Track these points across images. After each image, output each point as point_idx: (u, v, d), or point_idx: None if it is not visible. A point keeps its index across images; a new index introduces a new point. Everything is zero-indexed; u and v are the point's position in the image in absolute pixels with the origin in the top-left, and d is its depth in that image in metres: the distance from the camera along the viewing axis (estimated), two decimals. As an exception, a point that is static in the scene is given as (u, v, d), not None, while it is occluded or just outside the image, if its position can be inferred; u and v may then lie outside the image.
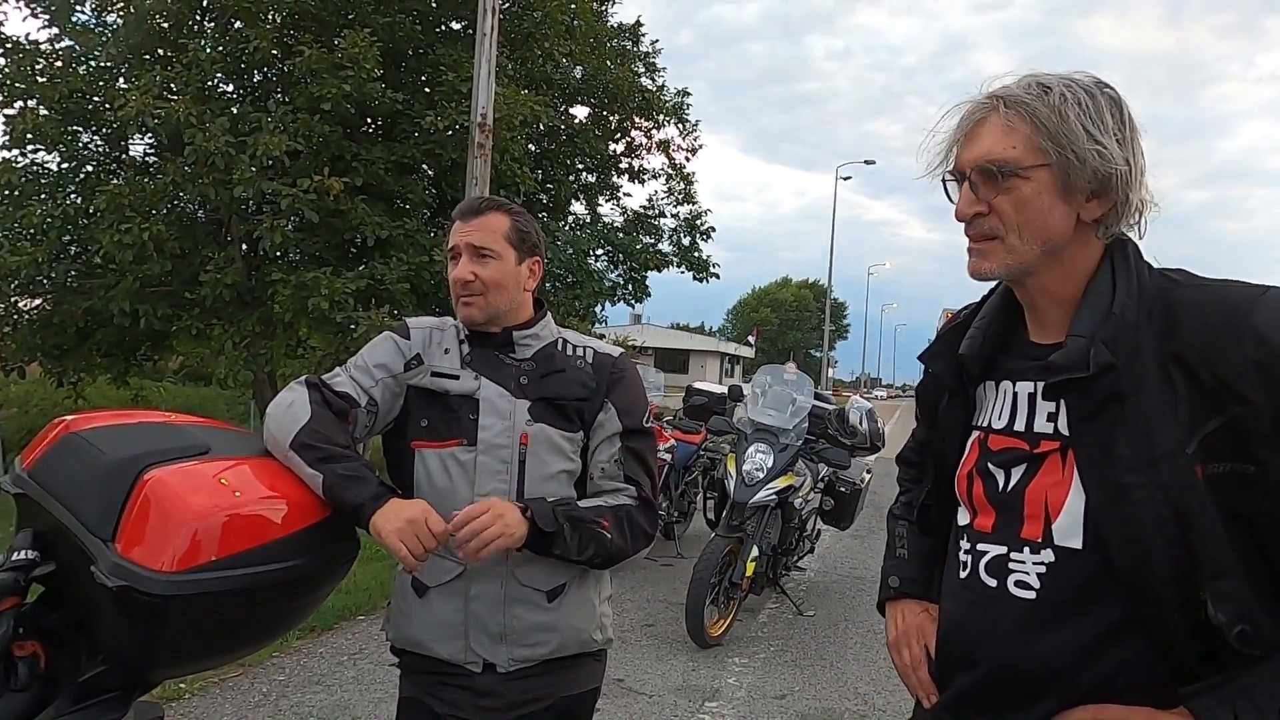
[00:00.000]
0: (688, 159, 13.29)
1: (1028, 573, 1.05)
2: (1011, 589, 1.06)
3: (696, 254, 13.40)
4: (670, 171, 13.19)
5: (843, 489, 5.37)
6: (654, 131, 12.80)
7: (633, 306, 14.41)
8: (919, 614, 1.27)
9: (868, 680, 4.12)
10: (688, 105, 13.00)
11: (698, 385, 6.70)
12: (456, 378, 1.58)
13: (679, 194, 13.31)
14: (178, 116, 7.17)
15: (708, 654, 4.37)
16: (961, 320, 1.21)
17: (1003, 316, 1.16)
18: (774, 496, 4.71)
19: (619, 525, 1.53)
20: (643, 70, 12.67)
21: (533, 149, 11.27)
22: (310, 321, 7.75)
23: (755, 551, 4.55)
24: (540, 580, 1.53)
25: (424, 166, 9.44)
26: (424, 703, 1.56)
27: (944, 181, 1.10)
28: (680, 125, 12.96)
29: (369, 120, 9.32)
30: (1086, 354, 0.99)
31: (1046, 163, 1.01)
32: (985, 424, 1.15)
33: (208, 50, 7.98)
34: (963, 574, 1.13)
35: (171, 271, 7.95)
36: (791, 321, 73.50)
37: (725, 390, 6.24)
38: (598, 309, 12.16)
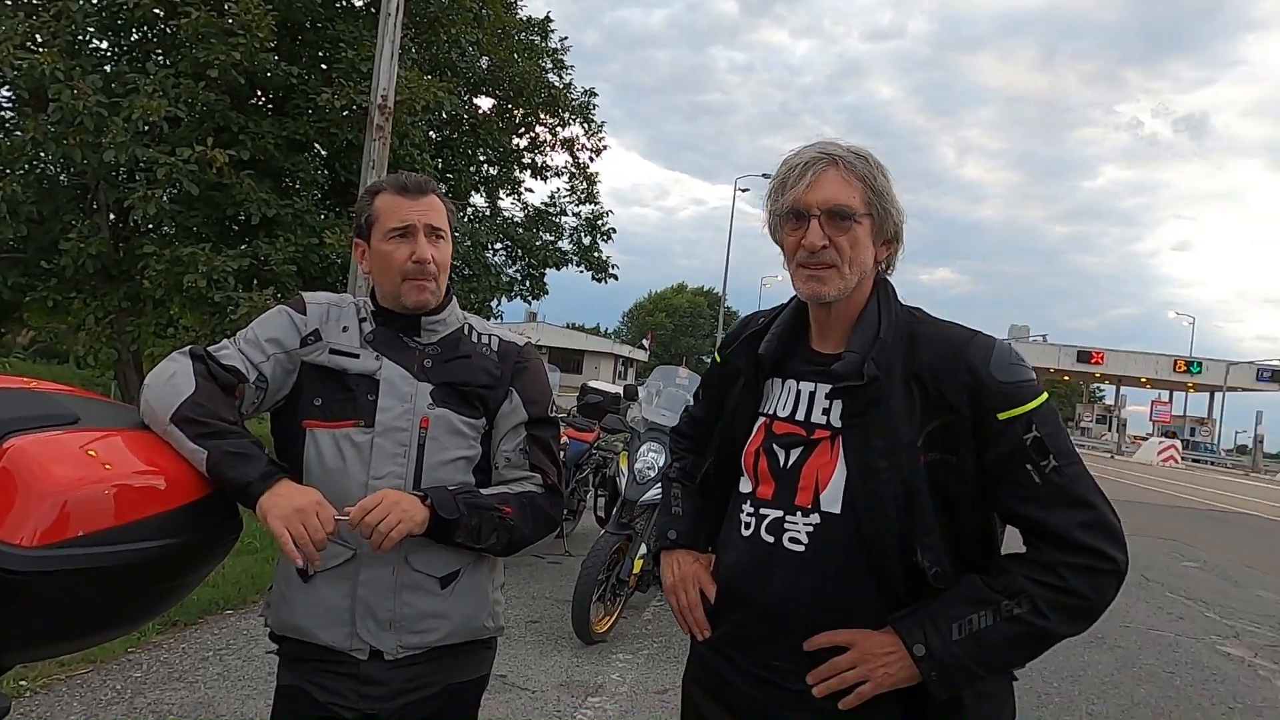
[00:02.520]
0: (591, 159, 13.31)
1: (799, 531, 1.31)
2: (786, 544, 1.32)
3: (596, 254, 13.42)
4: (573, 170, 13.17)
5: None
6: (559, 129, 12.75)
7: (530, 303, 14.31)
8: (693, 563, 1.48)
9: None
10: (594, 105, 13.02)
11: (593, 384, 6.73)
12: (356, 356, 1.53)
13: (581, 193, 13.31)
14: (42, 70, 6.62)
15: (592, 650, 4.38)
16: (760, 327, 1.45)
17: (793, 327, 1.42)
18: (664, 495, 4.77)
19: (522, 512, 1.53)
20: (550, 66, 12.59)
21: (434, 136, 11.01)
22: (185, 300, 7.30)
23: (644, 549, 4.60)
24: (434, 566, 1.50)
25: (317, 145, 9.05)
26: (304, 691, 1.50)
27: (781, 214, 1.33)
28: (586, 125, 12.96)
29: (259, 92, 8.87)
30: (861, 367, 1.28)
31: (870, 213, 1.30)
32: (771, 412, 1.40)
33: (80, 1, 7.39)
34: (745, 532, 1.37)
35: (27, 237, 7.32)
36: (685, 327, 74.67)
37: (620, 390, 6.28)
38: (494, 304, 11.95)
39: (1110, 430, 50.70)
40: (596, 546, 4.51)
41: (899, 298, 1.38)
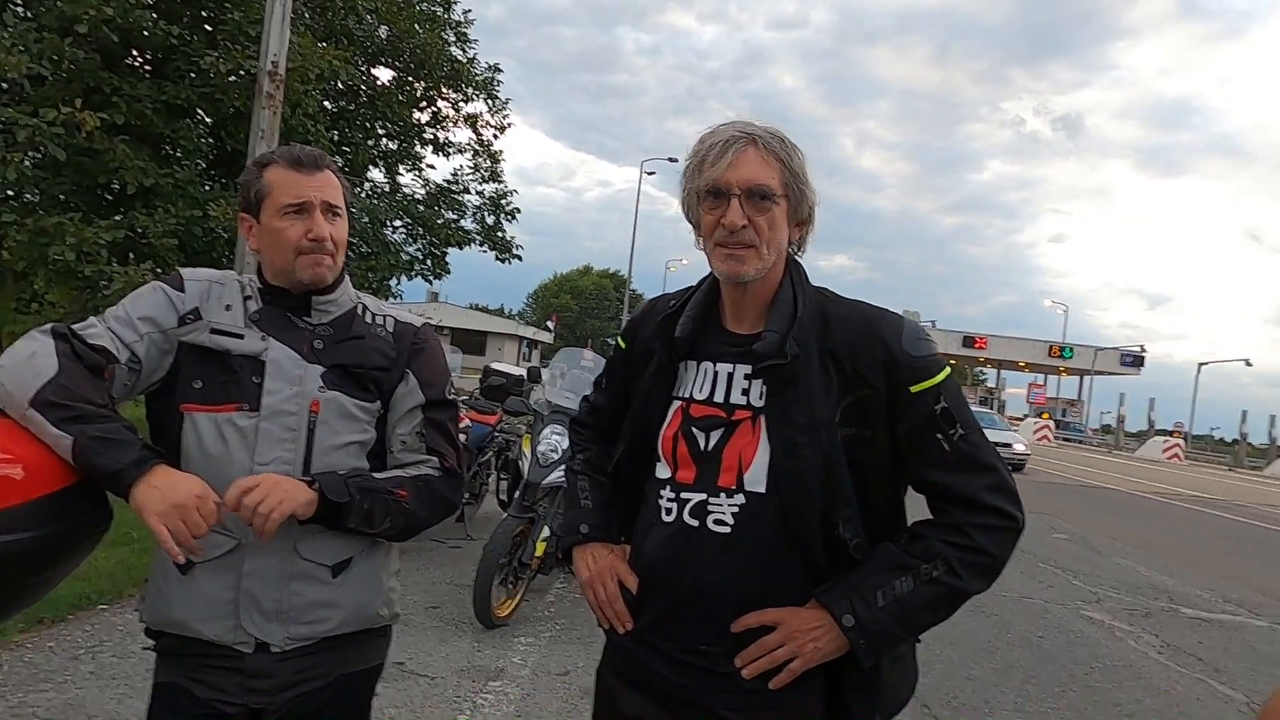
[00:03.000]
0: (495, 136, 13.02)
1: (724, 513, 1.31)
2: (711, 526, 1.32)
3: (500, 234, 13.17)
4: (477, 148, 12.86)
5: None
6: (462, 104, 12.42)
7: (431, 283, 13.97)
8: (608, 555, 1.46)
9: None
10: (498, 82, 12.75)
11: (495, 366, 6.64)
12: (240, 336, 1.45)
13: (485, 171, 13.01)
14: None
15: (494, 634, 4.35)
16: (672, 310, 1.42)
17: (707, 308, 1.41)
18: (567, 477, 4.76)
19: (419, 495, 1.49)
20: (453, 39, 12.22)
21: (329, 107, 10.55)
22: (50, 273, 6.78)
23: (546, 532, 4.58)
24: (324, 554, 1.45)
25: (201, 111, 8.52)
26: (184, 688, 1.42)
27: (699, 192, 1.31)
28: (490, 101, 12.67)
29: (135, 52, 8.26)
30: (782, 346, 1.29)
31: (787, 195, 1.31)
32: (688, 395, 1.39)
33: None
34: (667, 518, 1.36)
35: None
36: (591, 309, 74.55)
37: (523, 372, 6.22)
38: (393, 283, 11.59)
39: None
40: (498, 530, 4.47)
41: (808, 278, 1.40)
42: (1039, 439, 37.89)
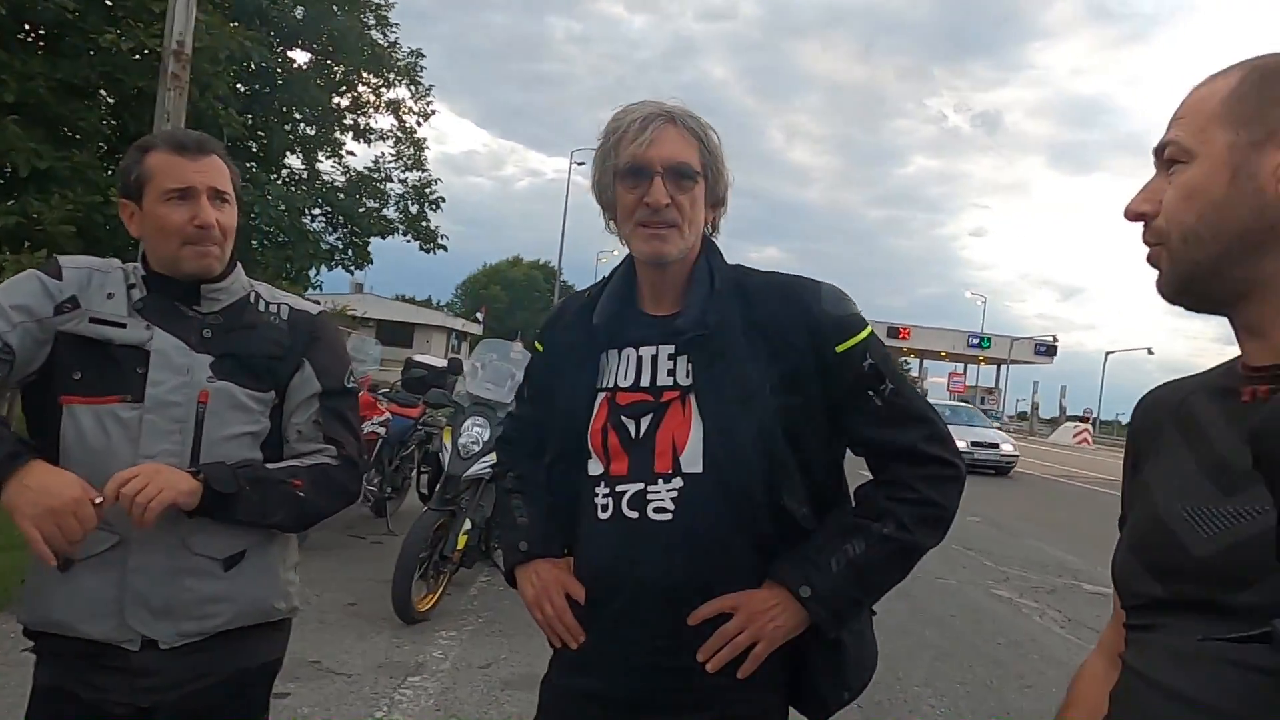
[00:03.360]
0: (419, 124, 12.82)
1: (664, 499, 1.27)
2: (651, 515, 1.27)
3: (424, 223, 12.97)
4: (400, 135, 12.63)
5: None
6: (383, 90, 12.17)
7: (352, 273, 13.63)
8: (551, 569, 1.39)
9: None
10: (421, 67, 12.54)
11: (417, 358, 6.54)
12: (123, 325, 1.39)
13: (408, 159, 12.80)
14: None
15: (414, 629, 4.29)
16: (588, 301, 1.40)
17: (624, 294, 1.38)
18: (489, 469, 4.71)
19: (315, 484, 1.45)
20: (373, 23, 11.95)
21: (241, 89, 10.16)
22: (-68, 261, 6.34)
23: (468, 524, 4.54)
24: (215, 548, 1.40)
25: (102, 92, 8.11)
26: (67, 690, 1.36)
27: (619, 171, 1.28)
28: (413, 87, 12.46)
29: (27, 27, 7.81)
30: (703, 319, 1.27)
31: (705, 174, 1.29)
32: (612, 385, 1.34)
33: None
34: (604, 515, 1.30)
35: None
36: (521, 300, 73.83)
37: (445, 363, 6.13)
38: (312, 273, 11.28)
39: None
40: (419, 523, 4.40)
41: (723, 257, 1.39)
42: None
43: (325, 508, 1.48)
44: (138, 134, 8.27)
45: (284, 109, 11.15)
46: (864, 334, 1.29)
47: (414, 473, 6.86)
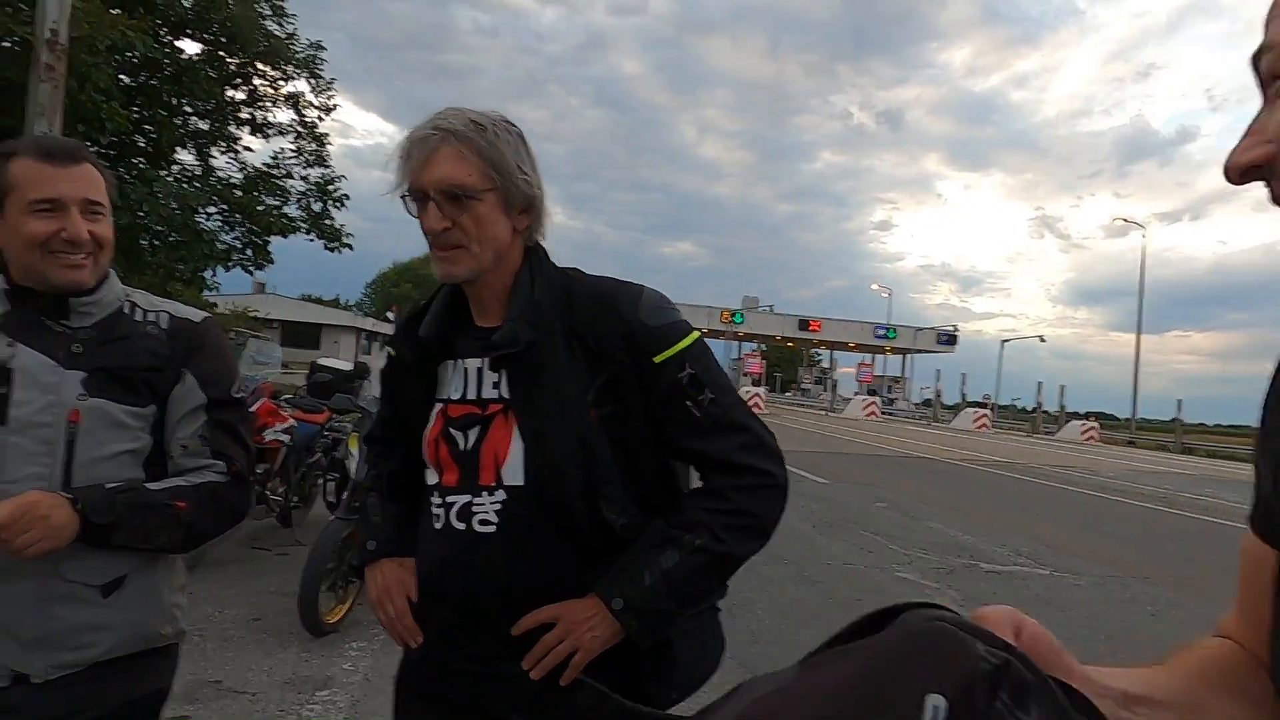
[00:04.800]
0: (320, 118, 12.39)
1: (488, 512, 1.30)
2: (477, 527, 1.30)
3: (328, 221, 12.54)
4: (300, 129, 12.17)
5: None
6: (281, 83, 11.71)
7: (252, 274, 13.07)
8: (396, 569, 1.43)
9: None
10: (321, 60, 12.11)
11: (322, 361, 6.33)
12: None
13: (309, 155, 12.34)
14: None
15: (323, 642, 4.16)
16: (419, 311, 1.41)
17: (453, 306, 1.39)
18: (399, 475, 4.63)
19: (201, 505, 1.40)
20: (269, 12, 11.48)
21: (126, 81, 9.62)
22: None
23: (377, 532, 4.43)
24: (92, 574, 1.34)
25: (-35, 82, 7.55)
26: None
27: (404, 198, 1.29)
28: (313, 80, 12.03)
29: (-123, 10, 7.20)
30: (515, 335, 1.28)
31: (494, 187, 1.26)
32: (446, 397, 1.37)
33: None
34: (437, 525, 1.34)
35: None
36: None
37: (351, 367, 5.97)
38: (209, 274, 10.78)
39: (825, 390, 57.07)
40: (325, 533, 4.27)
41: (553, 261, 1.38)
42: (867, 414, 40.62)
43: (212, 528, 1.43)
44: (8, 130, 7.74)
45: (174, 101, 10.61)
46: (683, 343, 1.30)
47: (321, 480, 6.64)
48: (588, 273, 1.39)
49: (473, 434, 1.32)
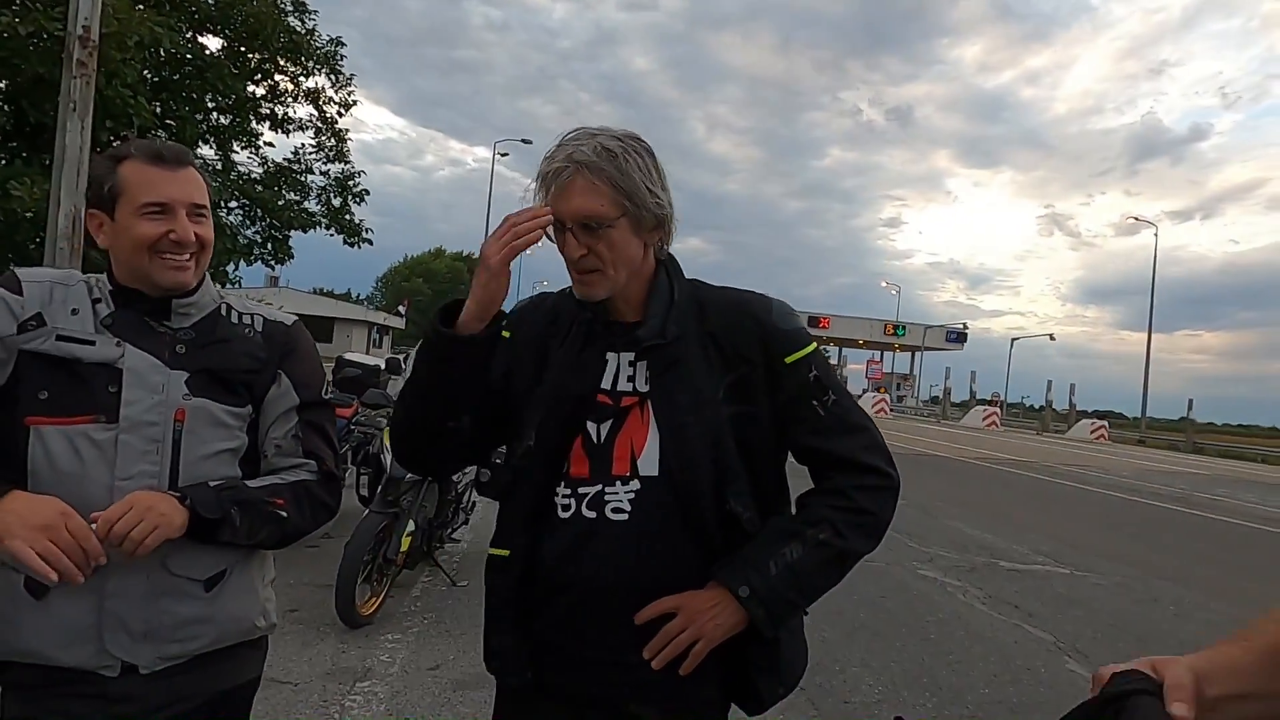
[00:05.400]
0: (340, 114, 12.43)
1: (621, 500, 1.34)
2: (609, 515, 1.34)
3: (348, 216, 12.60)
4: (320, 125, 12.22)
5: (498, 460, 5.49)
6: (302, 79, 11.75)
7: (273, 268, 13.15)
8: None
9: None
10: (341, 56, 12.15)
11: (349, 356, 6.39)
12: (91, 343, 1.35)
13: (330, 150, 12.40)
14: None
15: (359, 634, 4.23)
16: (559, 299, 1.46)
17: (582, 304, 1.41)
18: (432, 470, 4.68)
19: (297, 502, 1.45)
20: (290, 8, 11.52)
21: (150, 76, 9.69)
22: None
23: (411, 526, 4.49)
24: (196, 569, 1.38)
25: (-4, 78, 7.63)
26: None
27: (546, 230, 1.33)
28: (333, 76, 12.06)
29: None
30: (662, 329, 1.35)
31: (625, 213, 1.31)
32: (592, 386, 1.38)
33: None
34: (565, 514, 1.36)
35: None
36: (445, 293, 72.45)
37: (381, 363, 6.02)
38: (230, 269, 10.85)
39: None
40: (361, 526, 4.33)
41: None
42: (877, 411, 40.58)
43: (307, 525, 1.48)
44: (38, 124, 7.81)
45: (195, 97, 10.68)
46: (810, 348, 1.38)
47: (351, 474, 6.71)
48: (711, 283, 1.45)
49: (605, 427, 1.36)
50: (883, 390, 47.83)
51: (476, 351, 1.35)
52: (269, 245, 11.67)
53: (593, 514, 1.34)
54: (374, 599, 4.45)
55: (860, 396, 46.77)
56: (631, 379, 1.37)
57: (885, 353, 57.40)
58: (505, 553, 1.41)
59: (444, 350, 1.34)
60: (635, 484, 1.33)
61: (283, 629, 4.21)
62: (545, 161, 1.34)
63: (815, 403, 1.36)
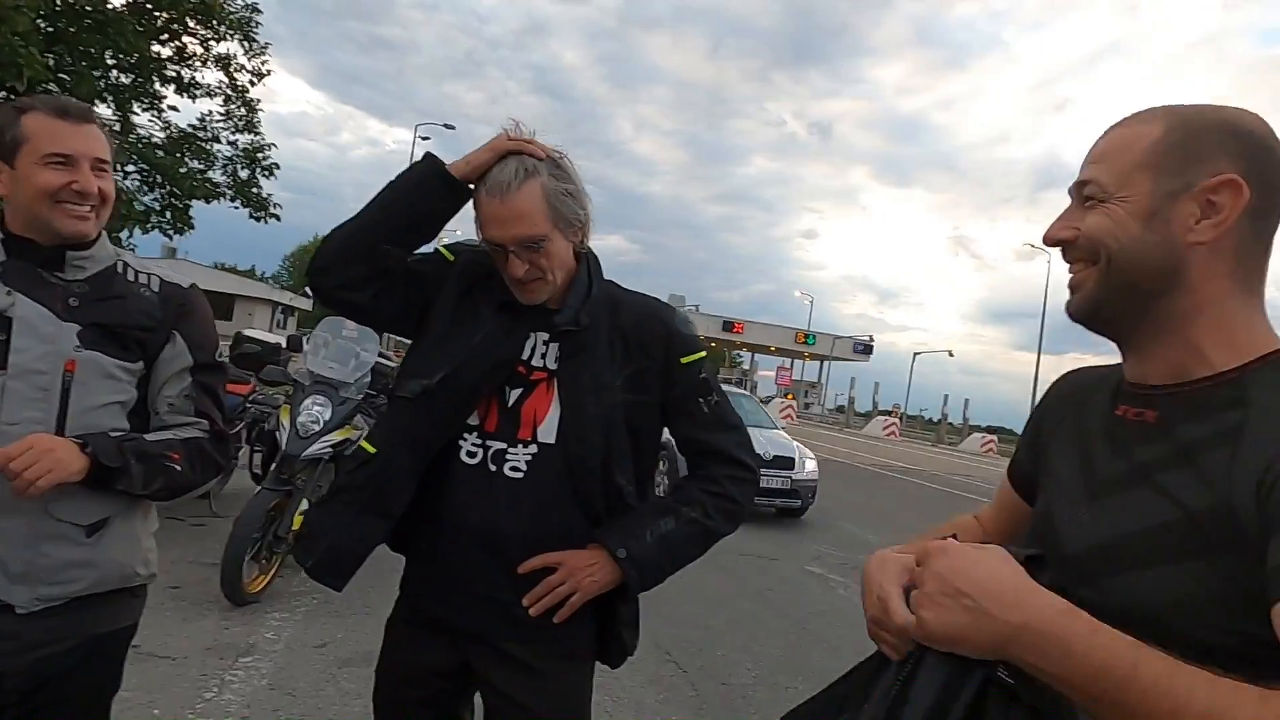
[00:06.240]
0: (252, 83, 12.00)
1: (519, 461, 1.48)
2: (507, 473, 1.48)
3: (255, 190, 12.18)
4: (230, 93, 11.77)
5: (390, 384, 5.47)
6: (212, 43, 11.30)
7: (171, 238, 12.52)
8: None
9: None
10: (256, 23, 11.74)
11: (249, 333, 6.23)
12: None
13: (239, 120, 11.96)
14: None
15: (244, 611, 4.17)
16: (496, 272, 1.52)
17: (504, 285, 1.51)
18: (329, 449, 4.64)
19: (190, 458, 1.50)
20: (203, -31, 11.06)
21: (45, 26, 9.16)
22: None
23: (305, 505, 4.45)
24: (79, 514, 1.41)
25: None
26: None
27: (483, 240, 1.46)
28: (246, 43, 11.64)
29: None
30: (576, 317, 1.49)
31: (558, 227, 1.44)
32: (516, 355, 1.50)
33: None
34: (471, 461, 1.49)
35: None
36: (355, 276, 70.31)
37: (282, 340, 5.90)
38: (123, 235, 10.32)
39: (746, 391, 58.23)
40: (253, 502, 4.27)
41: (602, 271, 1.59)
42: (784, 417, 41.66)
43: (197, 480, 1.53)
44: (-84, 66, 7.28)
45: (95, 53, 10.13)
46: (702, 354, 1.58)
47: (244, 452, 6.54)
48: (623, 286, 1.62)
49: (516, 393, 1.50)
50: (790, 396, 49.14)
51: (449, 196, 1.46)
52: (168, 214, 11.16)
53: (494, 468, 1.47)
54: (262, 577, 4.39)
55: (768, 402, 47.95)
56: (544, 356, 1.51)
57: (795, 360, 58.93)
58: (373, 450, 1.50)
59: (426, 176, 1.46)
60: (534, 448, 1.47)
61: (164, 604, 4.12)
62: (486, 179, 1.42)
63: (701, 400, 1.55)
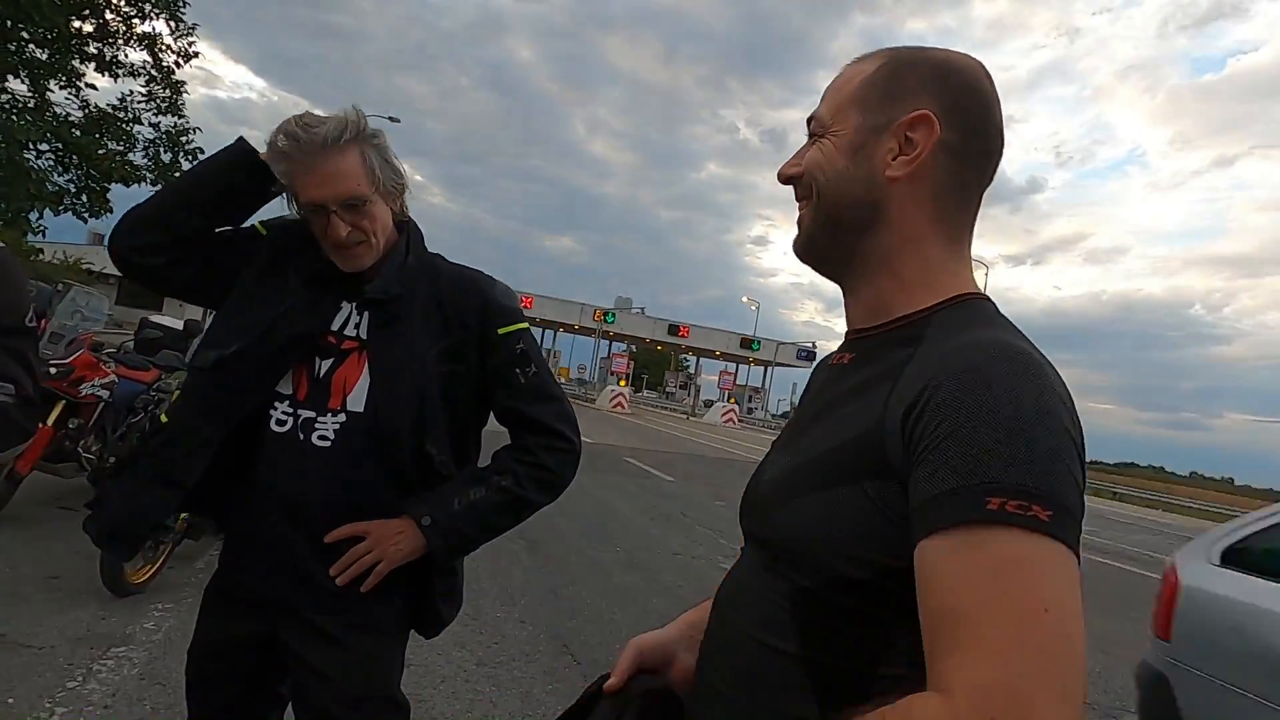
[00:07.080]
0: (178, 64, 11.63)
1: (327, 429, 1.46)
2: (315, 441, 1.46)
3: (177, 174, 11.81)
4: (154, 74, 11.39)
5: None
6: (136, 21, 10.92)
7: (87, 221, 12.01)
8: None
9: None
10: (184, 2, 11.38)
11: (154, 319, 6.04)
12: None
13: (161, 101, 11.57)
14: None
15: (125, 602, 4.03)
16: (304, 240, 1.53)
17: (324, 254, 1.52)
18: (225, 437, 4.52)
19: None
20: (128, -57, 10.71)
21: (-50, -5, 8.74)
22: None
23: (196, 493, 4.32)
24: None
25: None
26: None
27: (301, 204, 1.45)
28: (173, 23, 11.28)
29: None
30: (386, 287, 1.49)
31: (377, 189, 1.46)
32: (324, 326, 1.50)
33: None
34: (281, 429, 1.47)
35: None
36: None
37: (182, 325, 5.74)
38: (33, 216, 9.89)
39: (689, 395, 58.53)
40: (137, 491, 4.13)
41: (425, 242, 1.60)
42: (725, 421, 41.99)
43: (2, 445, 1.47)
44: None
45: (8, 25, 9.70)
46: (521, 325, 1.58)
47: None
48: (448, 259, 1.62)
49: (327, 363, 1.49)
50: (733, 400, 49.58)
51: (257, 177, 1.47)
52: (83, 196, 10.72)
53: (302, 436, 1.46)
54: (148, 567, 4.25)
55: (712, 406, 48.17)
56: (357, 326, 1.50)
57: (740, 365, 59.48)
58: (165, 420, 1.50)
59: (239, 162, 1.47)
60: (342, 416, 1.46)
61: (36, 594, 3.96)
62: (298, 143, 1.39)
63: (519, 370, 1.55)
